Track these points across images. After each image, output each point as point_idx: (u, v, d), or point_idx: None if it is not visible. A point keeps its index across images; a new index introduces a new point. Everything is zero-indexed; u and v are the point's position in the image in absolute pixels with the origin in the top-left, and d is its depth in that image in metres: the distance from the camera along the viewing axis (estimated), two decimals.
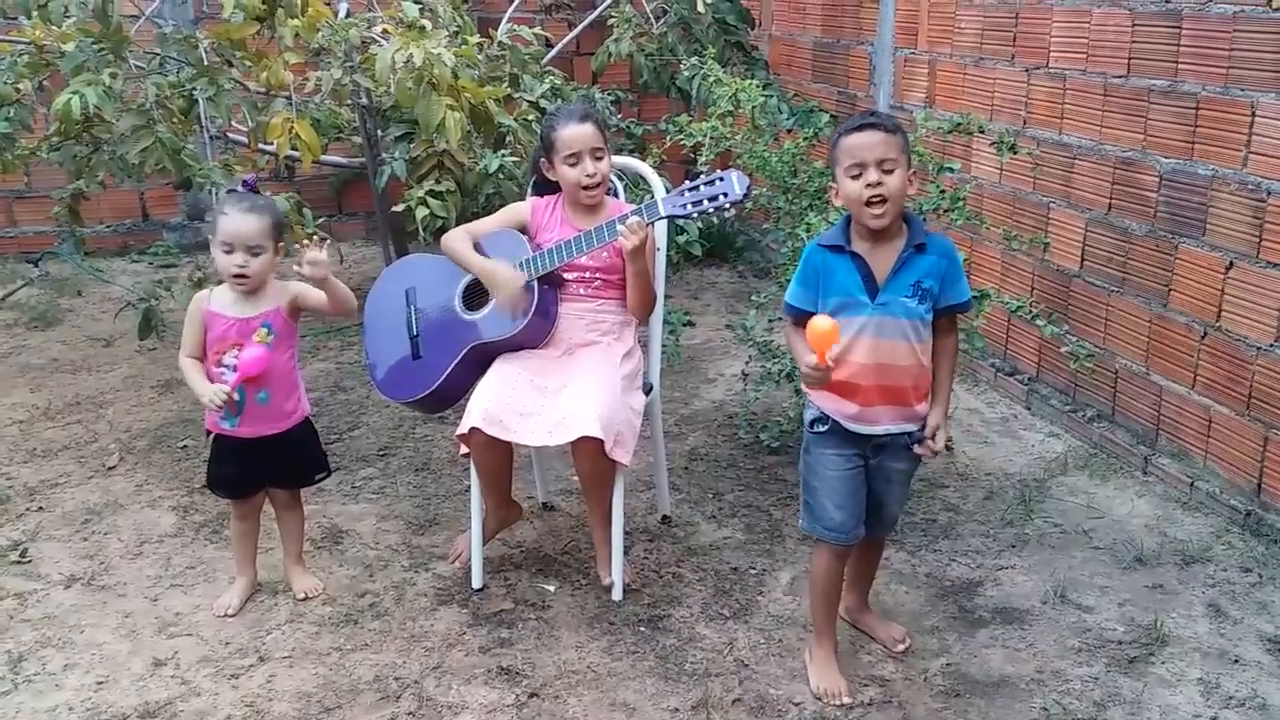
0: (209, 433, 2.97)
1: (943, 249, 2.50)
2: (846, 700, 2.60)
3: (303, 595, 3.07)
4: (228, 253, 2.79)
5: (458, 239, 3.13)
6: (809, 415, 2.59)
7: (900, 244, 2.46)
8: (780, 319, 2.70)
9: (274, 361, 2.86)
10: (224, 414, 2.87)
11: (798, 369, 2.56)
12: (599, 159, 3.03)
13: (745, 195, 2.89)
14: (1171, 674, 2.71)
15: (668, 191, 3.09)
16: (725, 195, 2.89)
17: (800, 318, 2.52)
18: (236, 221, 2.79)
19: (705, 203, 2.91)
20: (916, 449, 2.54)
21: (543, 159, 3.12)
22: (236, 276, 2.80)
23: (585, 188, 3.03)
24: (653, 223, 2.98)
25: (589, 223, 3.05)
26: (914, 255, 2.46)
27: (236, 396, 2.82)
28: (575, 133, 3.01)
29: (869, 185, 2.38)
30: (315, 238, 2.91)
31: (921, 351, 2.50)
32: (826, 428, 2.54)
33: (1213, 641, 2.84)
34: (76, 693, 2.68)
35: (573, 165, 3.02)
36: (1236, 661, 2.76)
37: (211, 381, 2.84)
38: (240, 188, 2.90)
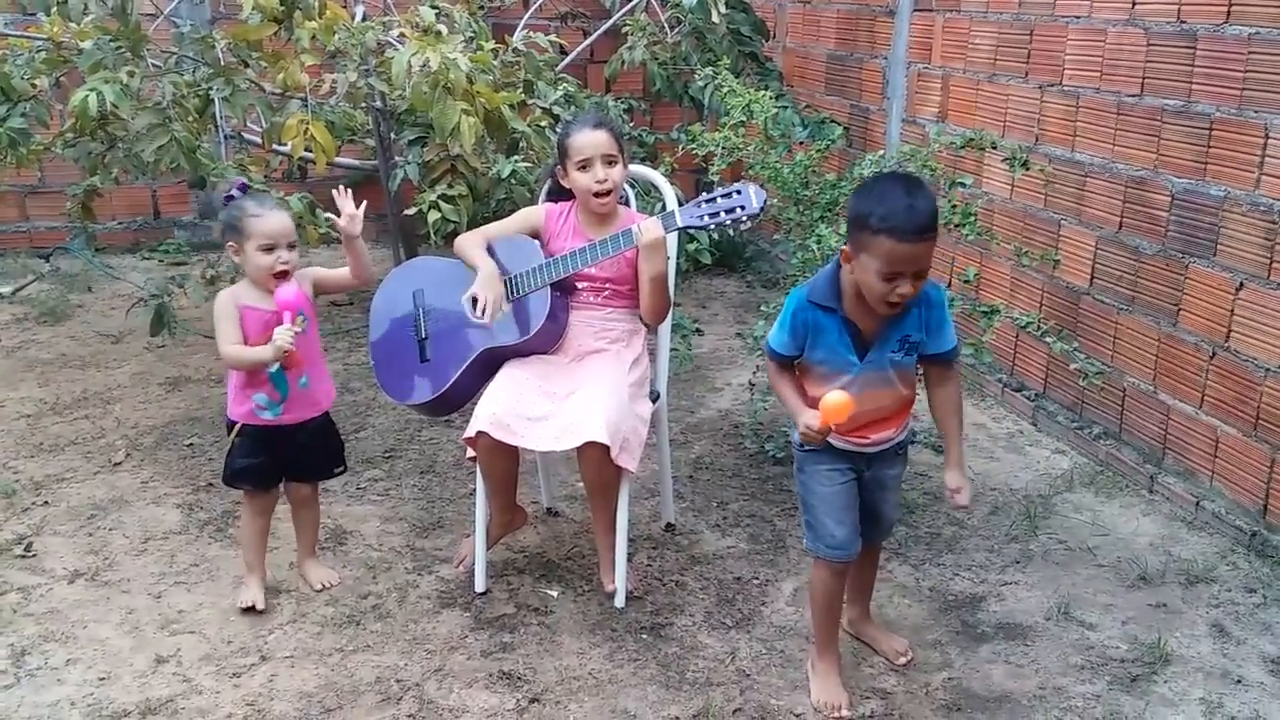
0: (232, 426, 2.96)
1: (929, 299, 2.44)
2: (846, 714, 2.60)
3: (320, 586, 3.09)
4: (269, 250, 2.84)
5: (471, 241, 3.15)
6: (797, 435, 2.58)
7: None
8: None
9: (309, 345, 2.91)
10: (268, 404, 2.90)
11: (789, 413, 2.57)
12: (611, 165, 3.04)
13: (761, 209, 2.90)
14: (1174, 693, 2.71)
15: (679, 199, 3.10)
16: (742, 208, 2.90)
17: (784, 361, 2.54)
18: (275, 219, 2.86)
19: (722, 215, 2.92)
20: (951, 499, 2.52)
21: (558, 166, 3.13)
22: (281, 273, 2.85)
23: (596, 194, 3.04)
24: (669, 232, 3.00)
25: (601, 232, 3.06)
26: (903, 314, 2.42)
27: (300, 328, 2.84)
28: (588, 139, 3.03)
29: (899, 293, 2.30)
30: (342, 188, 2.96)
31: (904, 385, 2.52)
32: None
33: (1216, 661, 2.83)
34: (78, 688, 2.68)
35: (583, 170, 3.03)
36: (1239, 682, 2.75)
37: (255, 378, 2.88)
38: (237, 191, 2.94)
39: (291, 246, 2.88)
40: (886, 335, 2.44)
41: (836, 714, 2.60)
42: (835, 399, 2.33)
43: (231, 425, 2.97)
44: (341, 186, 2.98)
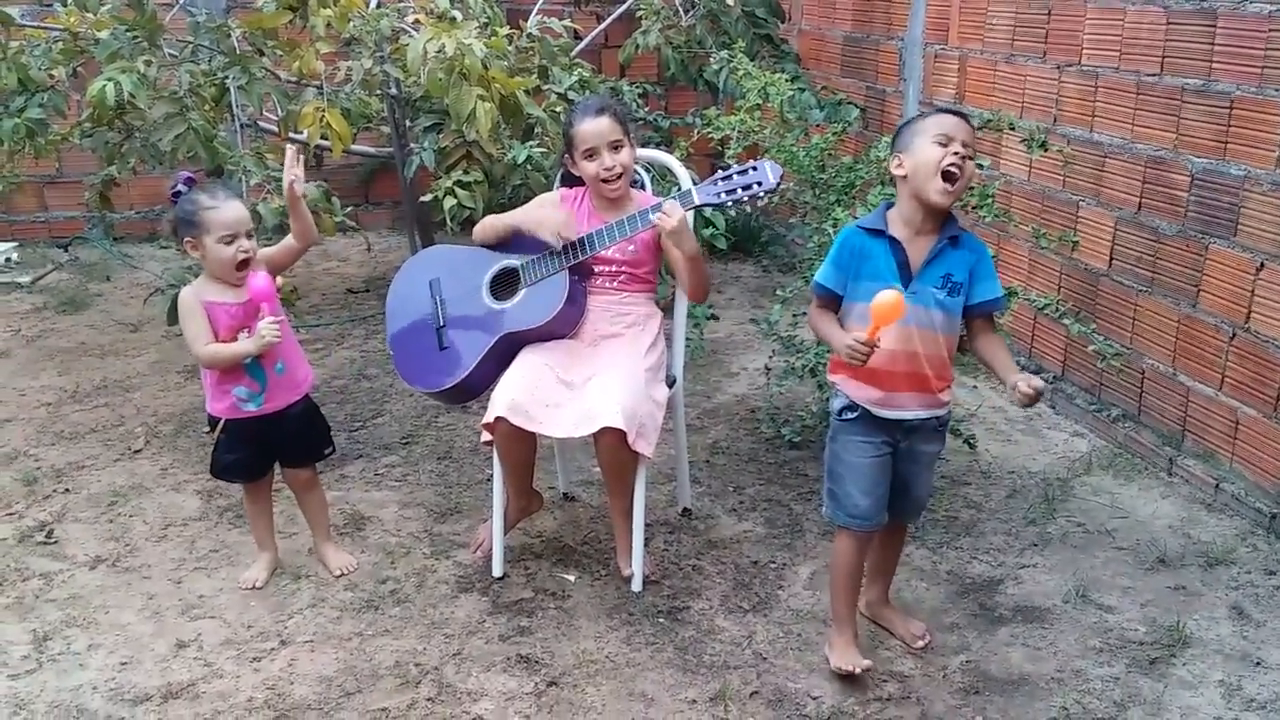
0: (214, 422, 2.95)
1: (975, 245, 2.53)
2: (865, 663, 2.61)
3: (339, 572, 3.11)
4: (229, 242, 2.80)
5: (488, 219, 3.19)
6: (837, 403, 2.59)
7: (936, 236, 2.49)
8: (804, 314, 2.71)
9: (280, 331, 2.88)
10: (249, 396, 2.90)
11: (826, 353, 2.57)
12: (617, 150, 3.04)
13: (778, 184, 2.90)
14: (1193, 675, 2.70)
15: (695, 182, 3.09)
16: (759, 184, 2.90)
17: (827, 299, 2.55)
18: (231, 209, 2.82)
19: (739, 191, 2.92)
20: (1023, 388, 2.38)
21: (566, 155, 3.14)
22: (243, 263, 2.83)
23: (605, 181, 3.04)
24: (686, 210, 2.99)
25: (616, 215, 3.06)
26: (947, 248, 2.49)
27: (283, 317, 2.84)
28: (590, 127, 3.02)
29: (954, 154, 2.41)
30: (291, 149, 2.91)
31: (946, 342, 2.52)
32: (855, 415, 2.55)
33: (1235, 644, 2.82)
34: (100, 672, 2.71)
35: (590, 159, 3.03)
36: (1259, 664, 2.74)
37: (231, 372, 2.88)
38: (183, 186, 2.87)
39: (249, 235, 2.84)
40: (931, 266, 2.47)
41: (857, 668, 2.60)
42: (888, 295, 2.34)
43: (214, 421, 2.95)
44: (291, 148, 2.93)
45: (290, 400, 2.98)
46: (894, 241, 2.49)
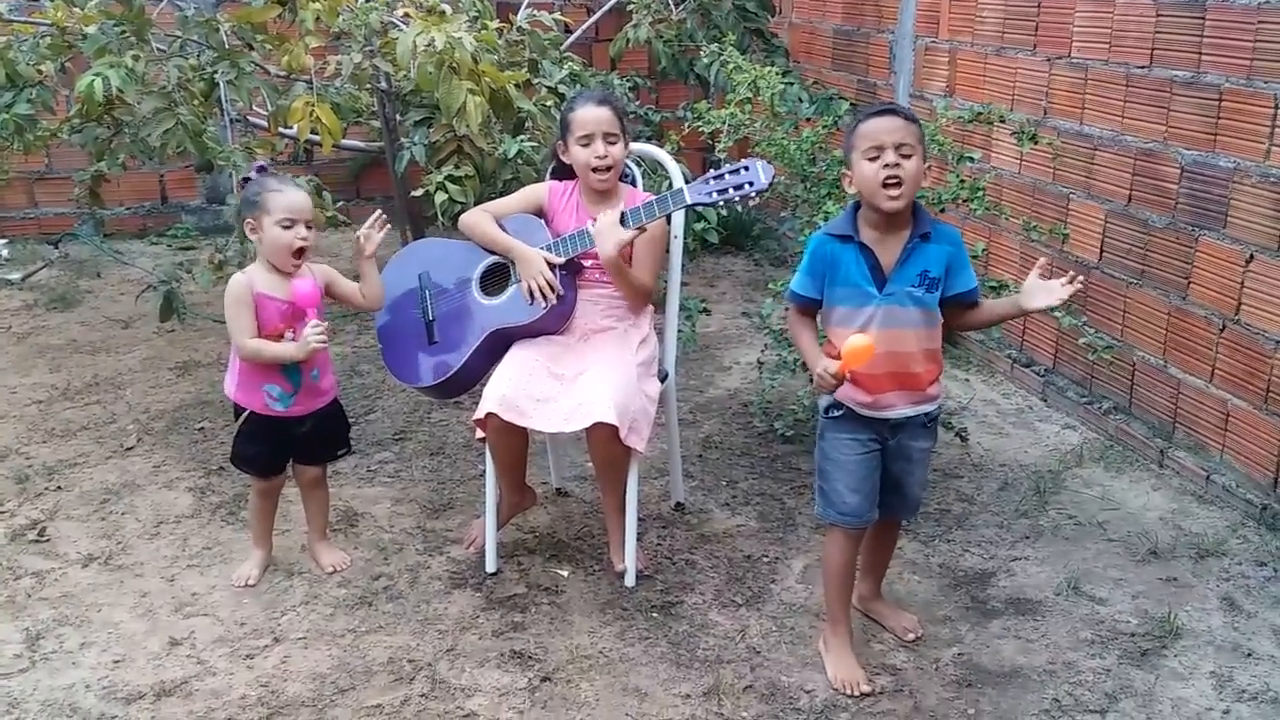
0: (239, 412, 2.97)
1: (949, 237, 2.52)
2: (865, 689, 2.60)
3: (330, 569, 3.11)
4: (288, 227, 2.82)
5: (479, 218, 3.15)
6: (823, 402, 2.60)
7: (906, 234, 2.49)
8: None
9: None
10: (280, 396, 2.90)
11: (805, 362, 2.58)
12: (612, 143, 3.04)
13: (770, 184, 2.90)
14: (1184, 667, 2.71)
15: (686, 177, 3.09)
16: (751, 184, 2.90)
17: (806, 306, 2.56)
18: (294, 196, 2.85)
19: (731, 191, 2.92)
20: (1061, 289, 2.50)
21: (559, 141, 3.14)
22: (299, 250, 2.84)
23: (594, 170, 3.04)
24: (670, 213, 3.00)
25: (604, 209, 3.05)
26: (920, 245, 2.48)
27: (325, 324, 2.84)
28: (590, 114, 3.03)
29: (886, 166, 2.40)
30: (379, 220, 2.96)
31: (929, 337, 2.52)
32: (841, 413, 2.56)
33: (1226, 635, 2.83)
34: (93, 671, 2.71)
35: (584, 146, 3.04)
36: (1250, 655, 2.75)
37: (268, 370, 2.88)
38: (254, 173, 2.94)
39: (310, 225, 2.86)
40: (905, 266, 2.47)
41: (855, 691, 2.60)
42: (857, 341, 2.36)
43: (238, 409, 2.97)
44: (378, 214, 2.99)
45: (315, 406, 2.99)
46: (863, 247, 2.48)
